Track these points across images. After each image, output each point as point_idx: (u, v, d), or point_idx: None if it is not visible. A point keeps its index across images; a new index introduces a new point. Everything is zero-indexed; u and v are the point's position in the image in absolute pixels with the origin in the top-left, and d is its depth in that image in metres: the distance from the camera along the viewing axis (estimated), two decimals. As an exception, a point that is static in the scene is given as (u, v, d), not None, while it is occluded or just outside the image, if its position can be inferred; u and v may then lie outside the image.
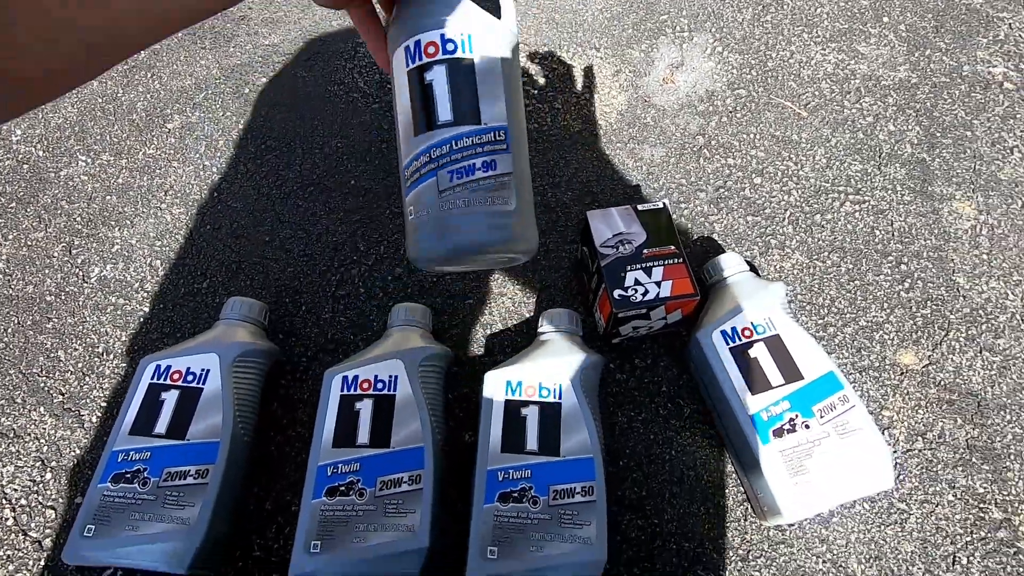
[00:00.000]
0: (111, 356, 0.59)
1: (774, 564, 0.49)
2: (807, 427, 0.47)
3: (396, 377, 0.51)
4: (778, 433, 0.48)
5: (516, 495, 0.46)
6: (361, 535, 0.43)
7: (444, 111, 0.34)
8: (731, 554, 0.50)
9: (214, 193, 0.70)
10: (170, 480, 0.46)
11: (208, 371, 0.51)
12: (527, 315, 0.61)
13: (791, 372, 0.50)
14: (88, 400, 0.57)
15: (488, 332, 0.60)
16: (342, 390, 0.50)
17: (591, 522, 0.45)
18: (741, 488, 0.52)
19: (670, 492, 0.52)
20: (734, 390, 0.50)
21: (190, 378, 0.50)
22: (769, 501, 0.47)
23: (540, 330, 0.55)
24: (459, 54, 0.33)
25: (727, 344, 0.52)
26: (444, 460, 0.50)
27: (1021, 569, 0.49)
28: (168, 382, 0.50)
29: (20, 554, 0.50)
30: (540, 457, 0.47)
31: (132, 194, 0.70)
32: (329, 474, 0.46)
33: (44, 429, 0.56)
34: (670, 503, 0.52)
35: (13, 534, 0.51)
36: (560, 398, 0.50)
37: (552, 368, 0.51)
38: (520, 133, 0.37)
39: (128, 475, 0.46)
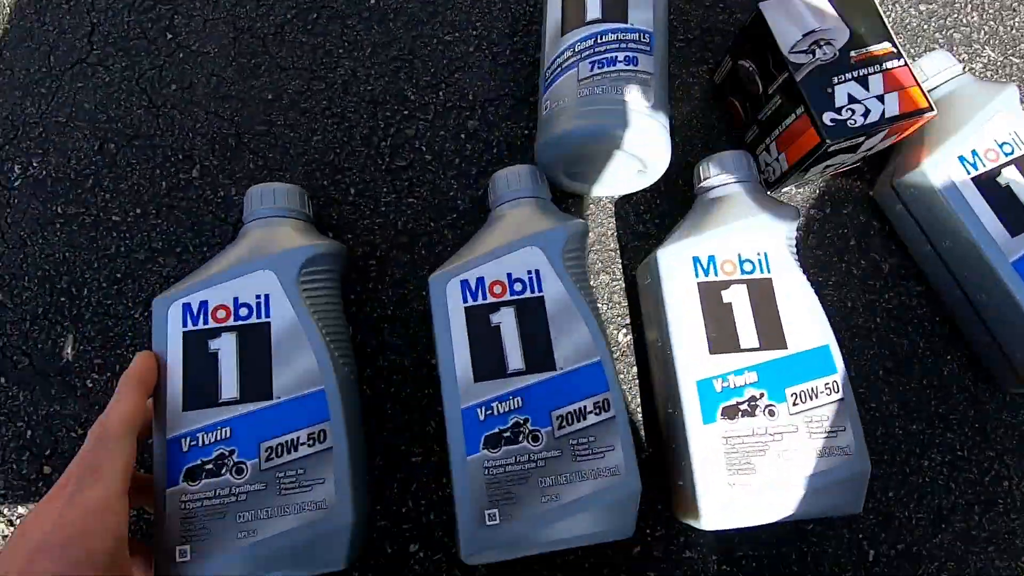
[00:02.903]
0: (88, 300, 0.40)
1: (1018, 432, 0.41)
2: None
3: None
4: None
5: (746, 407, 0.34)
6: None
7: (594, 9, 0.39)
8: (965, 428, 0.41)
9: (167, 36, 0.46)
10: (276, 457, 0.31)
11: (267, 296, 0.34)
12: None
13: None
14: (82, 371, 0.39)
15: (617, 197, 0.44)
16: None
17: (846, 427, 0.34)
18: (968, 351, 0.42)
19: (883, 368, 0.42)
20: (984, 232, 0.38)
21: (244, 312, 0.33)
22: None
23: (707, 183, 0.40)
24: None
25: (967, 173, 0.39)
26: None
27: None
28: (213, 324, 0.33)
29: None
30: (766, 353, 0.35)
31: (29, 45, 0.46)
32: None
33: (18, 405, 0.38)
34: (885, 381, 0.41)
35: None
36: (769, 271, 0.37)
37: (751, 231, 0.37)
38: (663, 46, 0.39)
39: (209, 466, 0.31)
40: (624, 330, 0.42)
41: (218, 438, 0.31)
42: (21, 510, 0.37)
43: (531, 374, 0.33)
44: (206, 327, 0.33)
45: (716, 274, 0.36)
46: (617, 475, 0.32)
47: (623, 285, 0.42)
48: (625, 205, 0.44)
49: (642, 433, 0.40)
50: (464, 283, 0.35)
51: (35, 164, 0.43)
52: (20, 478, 0.38)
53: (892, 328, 0.43)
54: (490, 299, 0.35)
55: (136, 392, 0.30)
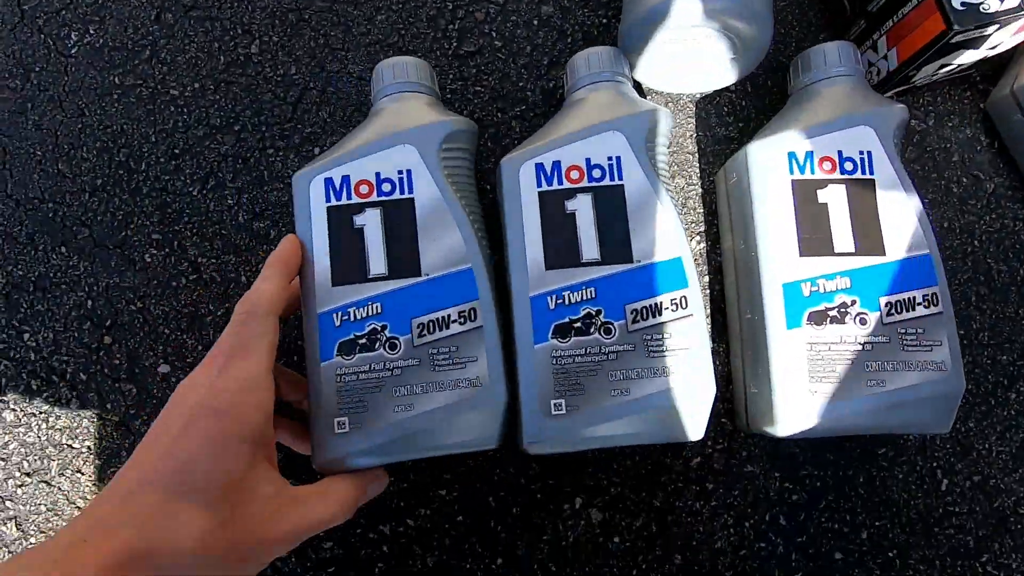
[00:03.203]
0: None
1: (1116, 371, 0.38)
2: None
3: (619, 159, 0.33)
4: None
5: (836, 313, 0.32)
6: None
7: None
8: (1060, 364, 0.38)
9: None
10: (428, 334, 0.30)
11: (410, 172, 0.32)
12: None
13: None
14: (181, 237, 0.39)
15: (698, 96, 0.41)
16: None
17: (942, 341, 0.32)
18: (1073, 282, 0.39)
19: (976, 294, 0.39)
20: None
21: (387, 188, 0.32)
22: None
23: (804, 77, 0.36)
24: None
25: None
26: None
27: None
28: (356, 200, 0.32)
29: (108, 443, 0.36)
30: (863, 258, 0.32)
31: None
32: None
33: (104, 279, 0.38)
34: (978, 308, 0.39)
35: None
36: (872, 172, 0.33)
37: (856, 128, 0.33)
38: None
39: (363, 340, 0.30)
40: (697, 238, 0.39)
41: (369, 313, 0.31)
42: (83, 376, 0.38)
43: (606, 265, 0.32)
44: (350, 202, 0.32)
45: (813, 172, 0.33)
46: (691, 376, 0.31)
47: (699, 191, 0.40)
48: (707, 106, 0.41)
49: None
50: (539, 167, 0.33)
51: (92, 32, 0.42)
52: (82, 346, 0.38)
53: (990, 252, 0.39)
54: (566, 184, 0.33)
55: (281, 274, 0.30)
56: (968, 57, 0.37)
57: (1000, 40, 0.35)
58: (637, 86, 0.40)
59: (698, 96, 0.41)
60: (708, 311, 0.38)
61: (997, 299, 0.39)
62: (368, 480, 0.30)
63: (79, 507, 0.37)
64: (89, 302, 0.38)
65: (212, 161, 0.40)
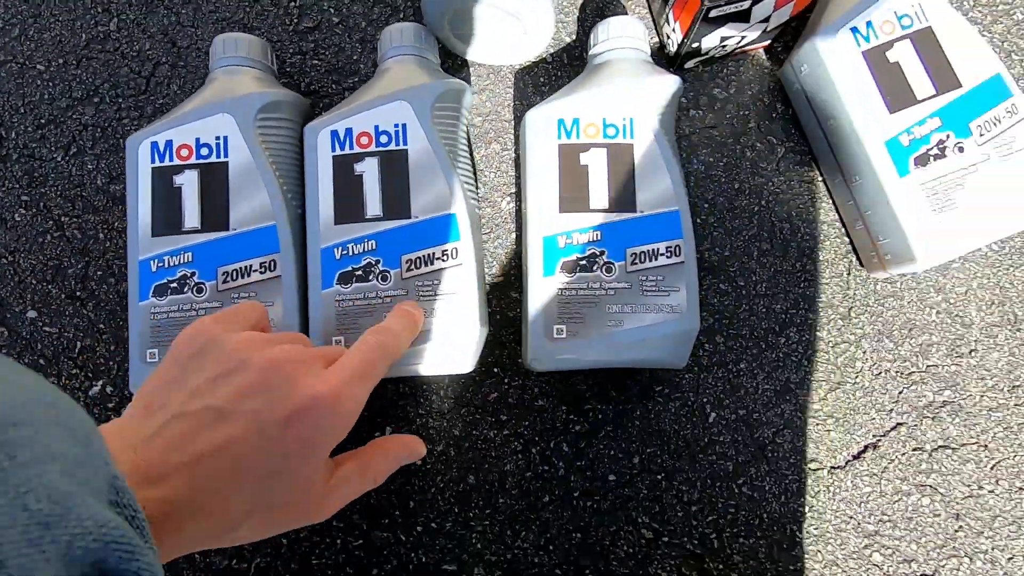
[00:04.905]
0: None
1: (880, 319, 0.42)
2: (960, 149, 0.36)
3: (404, 126, 0.37)
4: (921, 160, 0.36)
5: (584, 263, 0.36)
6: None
7: None
8: (830, 312, 0.42)
9: None
10: (231, 280, 0.36)
11: (226, 138, 0.37)
12: (567, 39, 0.45)
13: (945, 79, 0.36)
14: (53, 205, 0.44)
15: (517, 67, 0.45)
16: (333, 150, 0.37)
17: (680, 287, 0.36)
18: (846, 239, 0.43)
19: (758, 249, 0.43)
20: (864, 109, 0.37)
21: (204, 151, 0.37)
22: (898, 246, 0.37)
23: (594, 50, 0.40)
24: None
25: (858, 46, 0.37)
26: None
27: None
28: (177, 162, 0.37)
29: None
30: (613, 215, 0.36)
31: None
32: (338, 257, 0.36)
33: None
34: (759, 262, 0.42)
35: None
36: (632, 137, 0.37)
37: (620, 96, 0.37)
38: None
39: (174, 284, 0.36)
40: (508, 198, 0.43)
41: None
42: (-36, 321, 0.43)
43: (387, 220, 0.36)
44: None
45: (578, 136, 0.37)
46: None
47: (513, 156, 0.44)
48: (525, 77, 0.44)
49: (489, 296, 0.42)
50: (334, 133, 0.37)
51: (-33, 12, 0.46)
52: (-37, 295, 0.43)
53: (775, 212, 0.43)
54: (356, 149, 0.37)
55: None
56: (750, 31, 0.40)
57: (767, 13, 0.38)
58: (456, 59, 0.44)
59: (517, 67, 0.44)
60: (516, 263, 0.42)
61: (777, 254, 0.42)
62: (402, 451, 0.32)
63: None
64: (-31, 257, 0.44)
65: (74, 130, 0.44)
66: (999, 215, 0.36)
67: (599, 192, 0.36)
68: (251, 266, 0.36)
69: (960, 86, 0.36)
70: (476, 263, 0.36)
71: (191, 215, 0.36)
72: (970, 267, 0.42)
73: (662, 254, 0.36)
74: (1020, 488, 0.40)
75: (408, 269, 0.36)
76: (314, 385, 0.26)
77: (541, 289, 0.36)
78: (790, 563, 0.40)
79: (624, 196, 0.36)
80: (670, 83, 0.38)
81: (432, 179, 0.36)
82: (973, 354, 0.42)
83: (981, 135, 0.36)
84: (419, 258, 0.36)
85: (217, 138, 0.37)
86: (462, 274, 0.36)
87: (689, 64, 0.44)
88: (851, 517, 0.40)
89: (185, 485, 0.22)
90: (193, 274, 0.36)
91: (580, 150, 0.37)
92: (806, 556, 0.40)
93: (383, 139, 0.37)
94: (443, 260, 0.36)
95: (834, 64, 0.37)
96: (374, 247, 0.36)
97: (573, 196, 0.36)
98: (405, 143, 0.37)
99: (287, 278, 0.36)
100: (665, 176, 0.37)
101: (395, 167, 0.37)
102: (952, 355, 0.42)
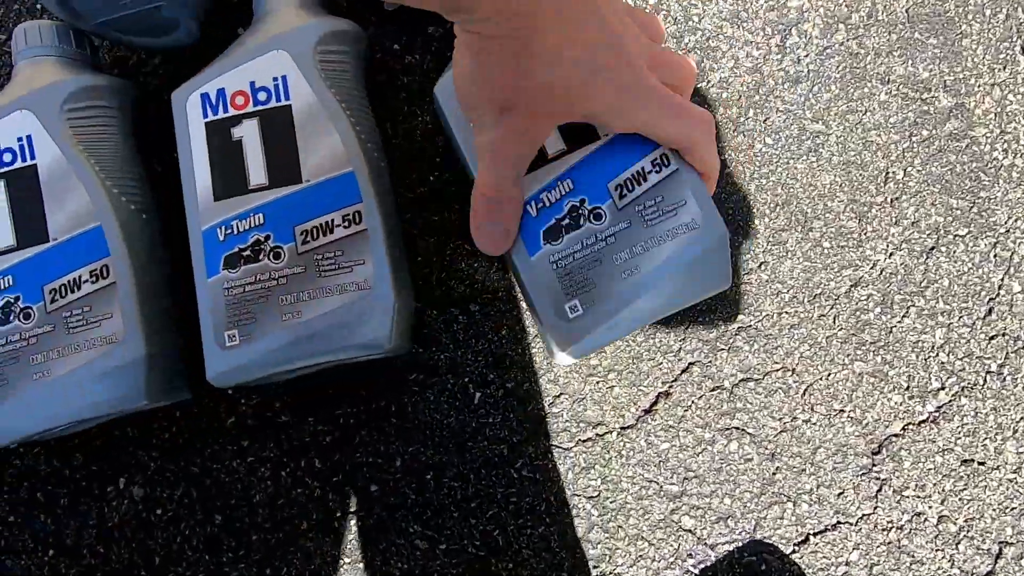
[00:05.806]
0: None
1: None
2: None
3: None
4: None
5: (249, 253, 0.31)
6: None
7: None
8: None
9: None
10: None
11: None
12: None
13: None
14: None
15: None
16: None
17: (364, 259, 0.31)
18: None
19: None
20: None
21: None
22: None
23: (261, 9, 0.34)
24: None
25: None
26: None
27: (974, 163, 0.36)
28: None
29: None
30: (275, 191, 0.31)
31: None
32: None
33: None
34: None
35: None
36: (287, 99, 0.32)
37: (267, 54, 0.32)
38: None
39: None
40: (220, 196, 0.38)
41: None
42: None
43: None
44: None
45: (226, 110, 0.32)
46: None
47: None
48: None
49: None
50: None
51: None
52: None
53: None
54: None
55: None
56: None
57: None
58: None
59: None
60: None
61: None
62: None
63: None
64: None
65: None
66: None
67: (257, 168, 0.31)
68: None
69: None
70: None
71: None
72: (744, 169, 0.37)
73: (339, 225, 0.31)
74: (839, 411, 0.35)
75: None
76: None
77: (207, 293, 0.31)
78: (589, 547, 0.34)
79: (285, 167, 0.31)
80: (316, 26, 0.32)
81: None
82: (763, 268, 0.36)
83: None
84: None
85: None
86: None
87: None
88: (651, 480, 0.35)
89: None
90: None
91: (231, 124, 0.32)
92: (606, 535, 0.34)
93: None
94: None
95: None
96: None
97: (228, 179, 0.31)
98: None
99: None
100: (332, 134, 0.31)
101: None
102: (738, 274, 0.36)
